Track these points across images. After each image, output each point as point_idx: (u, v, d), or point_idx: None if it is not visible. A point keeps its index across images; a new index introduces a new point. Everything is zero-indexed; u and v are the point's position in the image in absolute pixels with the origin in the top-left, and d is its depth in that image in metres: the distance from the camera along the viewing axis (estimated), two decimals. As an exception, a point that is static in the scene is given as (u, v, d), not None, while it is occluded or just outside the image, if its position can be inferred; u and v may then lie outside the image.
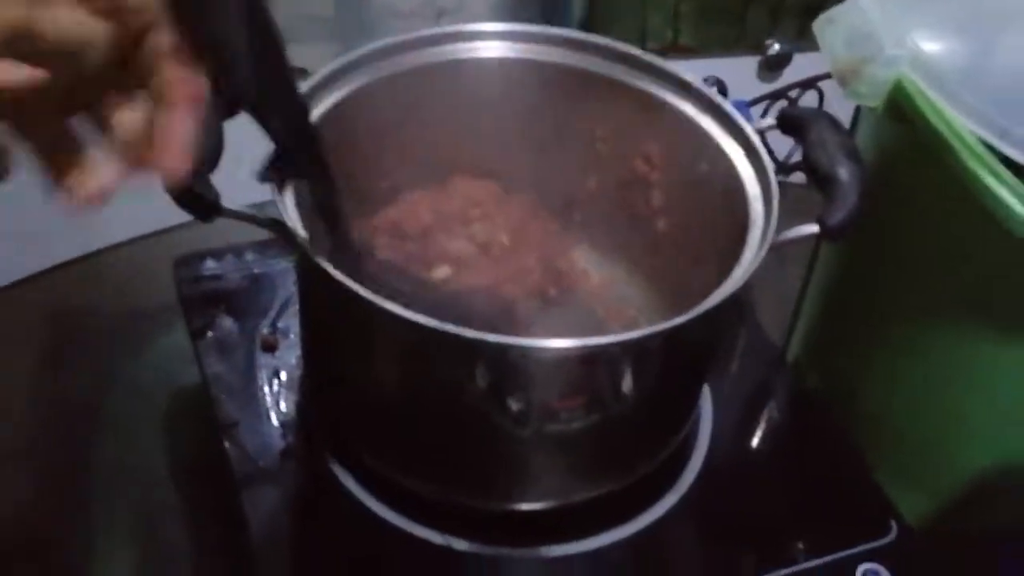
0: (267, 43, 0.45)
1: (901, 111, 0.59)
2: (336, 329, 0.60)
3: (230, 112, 0.57)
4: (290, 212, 0.55)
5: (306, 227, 0.55)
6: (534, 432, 0.57)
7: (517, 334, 0.66)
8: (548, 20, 1.13)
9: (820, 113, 0.62)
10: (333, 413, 0.66)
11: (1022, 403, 0.64)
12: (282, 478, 0.65)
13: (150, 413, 0.75)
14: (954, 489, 0.69)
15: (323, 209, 0.57)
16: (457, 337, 0.50)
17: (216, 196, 0.54)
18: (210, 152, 0.55)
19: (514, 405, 0.55)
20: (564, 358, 0.54)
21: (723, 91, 1.02)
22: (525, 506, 0.62)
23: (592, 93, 0.69)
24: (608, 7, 1.16)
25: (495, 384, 0.54)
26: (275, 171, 0.52)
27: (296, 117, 0.50)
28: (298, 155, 0.52)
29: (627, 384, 0.56)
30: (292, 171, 0.53)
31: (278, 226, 0.55)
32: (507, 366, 0.54)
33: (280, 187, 0.54)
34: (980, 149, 0.56)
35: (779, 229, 0.57)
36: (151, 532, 0.69)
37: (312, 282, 0.61)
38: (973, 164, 0.55)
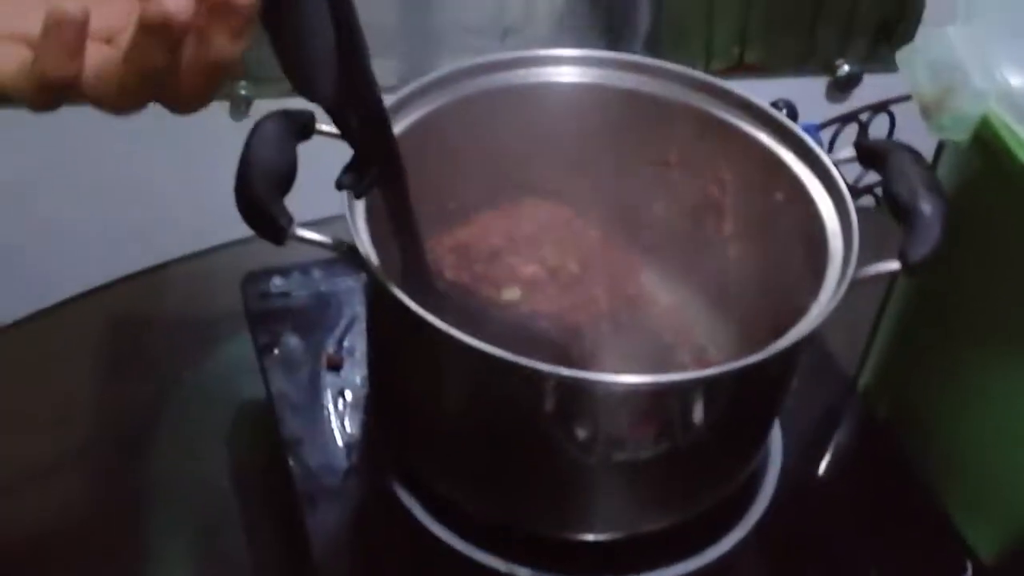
0: (351, 41, 0.45)
1: (988, 147, 0.57)
2: (403, 353, 0.60)
3: (304, 134, 0.58)
4: (362, 236, 0.55)
5: (376, 249, 0.55)
6: (602, 463, 0.57)
7: (584, 360, 0.66)
8: (613, 36, 1.13)
9: (900, 145, 0.61)
10: (398, 435, 0.66)
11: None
12: (346, 498, 0.64)
13: (213, 425, 0.75)
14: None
15: (397, 222, 0.57)
16: (528, 368, 0.50)
17: (289, 220, 0.54)
18: (284, 173, 0.55)
19: (582, 436, 0.55)
20: (635, 392, 0.54)
21: (793, 115, 1.01)
22: (591, 537, 0.61)
23: (665, 119, 0.68)
24: (673, 24, 1.16)
25: (564, 415, 0.54)
26: (352, 178, 0.52)
27: (375, 119, 0.50)
28: (376, 161, 0.52)
29: (697, 419, 0.56)
30: (370, 178, 0.53)
31: (349, 252, 0.55)
32: (577, 398, 0.53)
33: (358, 194, 0.54)
34: (1070, 187, 0.54)
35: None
36: (210, 544, 0.69)
37: (380, 306, 0.61)
38: (1062, 202, 0.54)
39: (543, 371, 0.50)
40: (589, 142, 0.70)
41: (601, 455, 0.56)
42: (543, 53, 0.67)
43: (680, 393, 0.54)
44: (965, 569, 0.63)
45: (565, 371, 0.50)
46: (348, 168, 0.51)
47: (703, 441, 0.57)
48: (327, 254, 0.76)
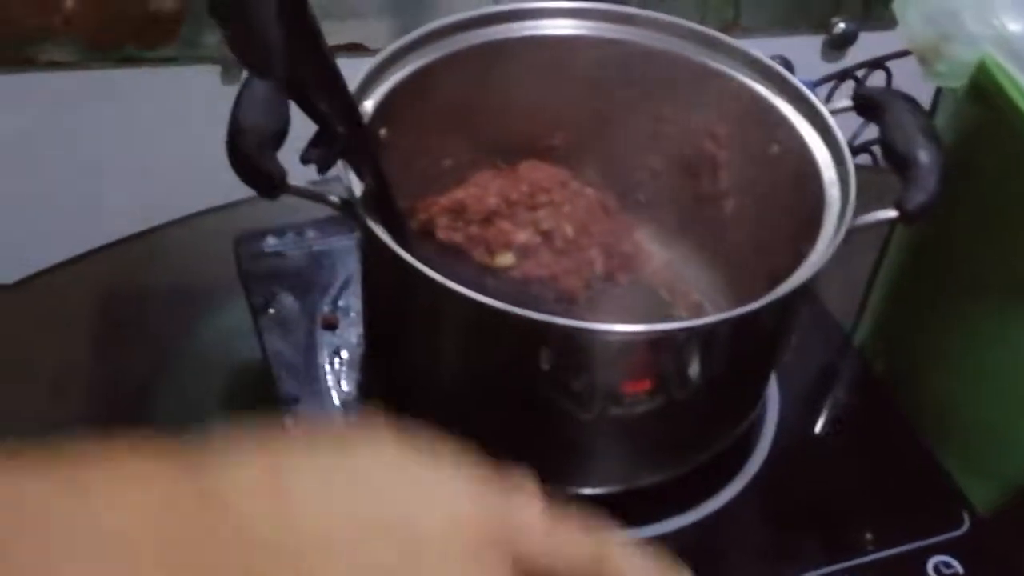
0: (298, 19, 0.45)
1: (984, 92, 0.57)
2: (399, 309, 0.60)
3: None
4: (356, 190, 0.55)
5: (371, 205, 0.55)
6: (598, 416, 0.56)
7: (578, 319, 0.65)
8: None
9: (897, 93, 0.60)
10: (393, 392, 0.66)
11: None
12: (342, 457, 0.64)
13: (210, 388, 0.75)
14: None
15: (373, 193, 0.56)
16: (525, 320, 0.50)
17: (282, 173, 0.53)
18: (276, 129, 0.54)
19: (579, 388, 0.55)
20: (631, 343, 0.54)
21: (789, 69, 1.00)
22: (587, 491, 0.61)
23: (658, 71, 0.68)
24: (667, -15, 1.15)
25: (560, 367, 0.54)
26: (317, 153, 0.51)
27: (335, 95, 0.50)
28: (340, 135, 0.51)
29: (693, 370, 0.55)
30: (335, 152, 0.52)
31: (343, 204, 0.55)
32: (573, 350, 0.53)
33: (322, 169, 0.53)
34: (1066, 132, 0.54)
35: (848, 213, 0.56)
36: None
37: (374, 259, 0.61)
38: (1058, 147, 0.54)
39: (537, 320, 0.50)
40: (582, 96, 0.69)
41: (595, 409, 0.56)
42: (535, 6, 0.67)
43: (674, 343, 0.54)
44: (963, 522, 0.63)
45: (560, 320, 0.50)
46: (313, 143, 0.51)
47: (699, 394, 0.57)
48: (321, 213, 0.77)
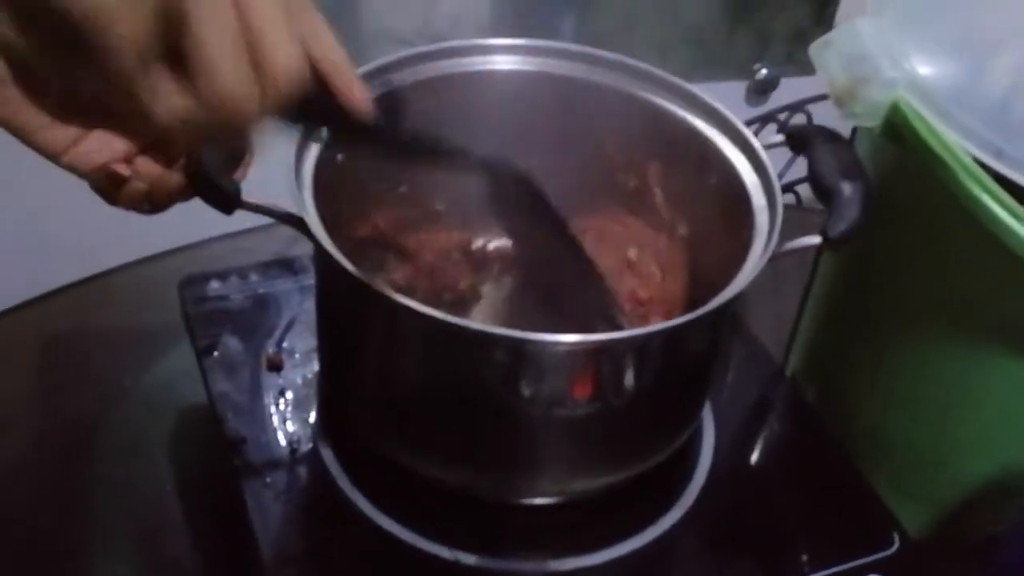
0: None
1: (898, 132, 0.61)
2: (351, 322, 0.61)
3: None
4: (308, 207, 0.57)
5: (324, 220, 0.57)
6: (541, 423, 0.58)
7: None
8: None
9: (825, 130, 0.63)
10: (346, 412, 0.67)
11: (1014, 414, 0.66)
12: (291, 496, 0.65)
13: (157, 431, 0.75)
14: (952, 499, 0.70)
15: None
16: (469, 331, 0.53)
17: (237, 189, 0.55)
18: (232, 152, 0.57)
19: (524, 395, 0.57)
20: (571, 352, 0.56)
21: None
22: (532, 500, 0.64)
23: (602, 105, 0.70)
24: (595, 36, 1.18)
25: (506, 375, 0.56)
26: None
27: None
28: None
29: (630, 380, 0.58)
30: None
31: (296, 220, 0.56)
32: (517, 359, 0.55)
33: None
34: (975, 168, 0.57)
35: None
36: (158, 549, 0.70)
37: (327, 275, 0.62)
38: (969, 183, 0.57)
39: (483, 332, 0.53)
40: (530, 131, 0.71)
41: (541, 415, 0.58)
42: (486, 42, 0.69)
43: (612, 353, 0.56)
44: (893, 542, 0.66)
45: (504, 331, 0.53)
46: None
47: (635, 404, 0.59)
48: (265, 256, 0.78)
